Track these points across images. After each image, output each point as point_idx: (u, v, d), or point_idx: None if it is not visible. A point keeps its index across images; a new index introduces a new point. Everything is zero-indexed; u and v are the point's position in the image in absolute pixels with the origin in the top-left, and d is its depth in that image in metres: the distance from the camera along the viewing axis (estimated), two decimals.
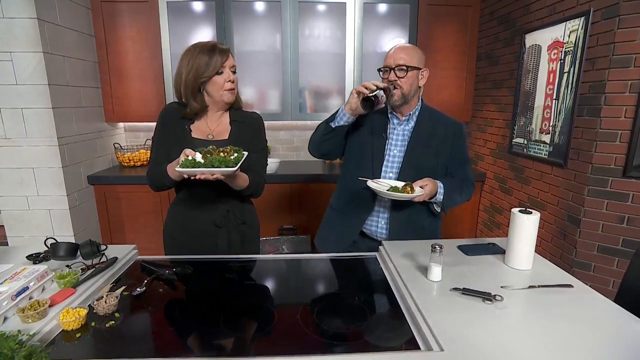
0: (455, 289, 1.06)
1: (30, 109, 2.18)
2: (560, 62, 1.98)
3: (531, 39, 2.21)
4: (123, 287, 1.08)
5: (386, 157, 1.48)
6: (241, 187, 1.35)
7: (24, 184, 2.29)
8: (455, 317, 0.93)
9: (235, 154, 1.21)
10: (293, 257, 1.46)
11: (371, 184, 1.37)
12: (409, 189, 1.31)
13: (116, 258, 1.23)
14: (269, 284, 1.24)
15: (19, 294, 0.93)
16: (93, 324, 0.92)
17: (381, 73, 1.45)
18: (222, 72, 1.30)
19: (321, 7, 2.75)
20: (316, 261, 1.40)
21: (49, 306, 0.93)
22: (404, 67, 1.37)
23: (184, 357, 0.83)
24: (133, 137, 3.12)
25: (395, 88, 1.38)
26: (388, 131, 1.48)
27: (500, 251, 1.32)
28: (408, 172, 1.44)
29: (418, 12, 2.66)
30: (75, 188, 2.42)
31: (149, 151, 2.90)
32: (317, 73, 2.83)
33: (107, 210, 2.64)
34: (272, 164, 2.59)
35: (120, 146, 2.90)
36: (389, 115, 1.49)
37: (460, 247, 1.36)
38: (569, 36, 1.91)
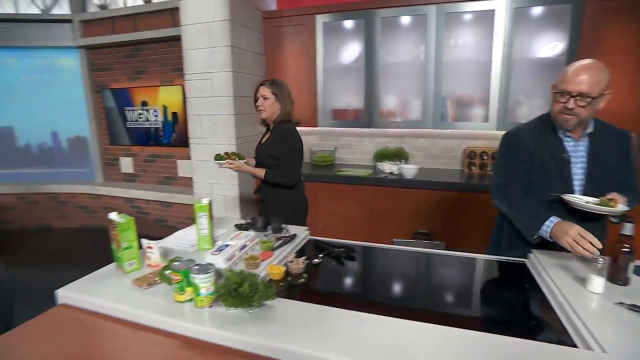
0: (621, 303, 1.01)
1: (220, 115, 2.80)
2: None
3: None
4: (304, 257, 1.35)
5: (572, 176, 1.41)
6: (260, 178, 1.98)
7: (210, 174, 2.93)
8: (618, 327, 0.90)
9: (237, 159, 1.97)
10: (444, 253, 1.55)
11: (570, 198, 1.34)
12: (612, 203, 1.27)
13: (295, 235, 1.53)
14: (429, 276, 1.38)
15: (242, 248, 1.27)
16: (289, 278, 1.20)
17: (558, 95, 1.33)
18: (258, 99, 2.01)
19: (467, 17, 2.75)
20: (466, 260, 1.45)
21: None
22: (588, 99, 1.26)
23: (359, 311, 0.99)
24: None
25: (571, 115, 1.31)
26: (567, 151, 1.41)
27: None
28: (591, 189, 1.39)
29: (583, 12, 2.44)
30: (243, 180, 2.97)
31: None
32: (460, 82, 2.84)
33: None
34: (410, 170, 2.70)
35: None
36: (562, 135, 1.42)
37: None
38: None
